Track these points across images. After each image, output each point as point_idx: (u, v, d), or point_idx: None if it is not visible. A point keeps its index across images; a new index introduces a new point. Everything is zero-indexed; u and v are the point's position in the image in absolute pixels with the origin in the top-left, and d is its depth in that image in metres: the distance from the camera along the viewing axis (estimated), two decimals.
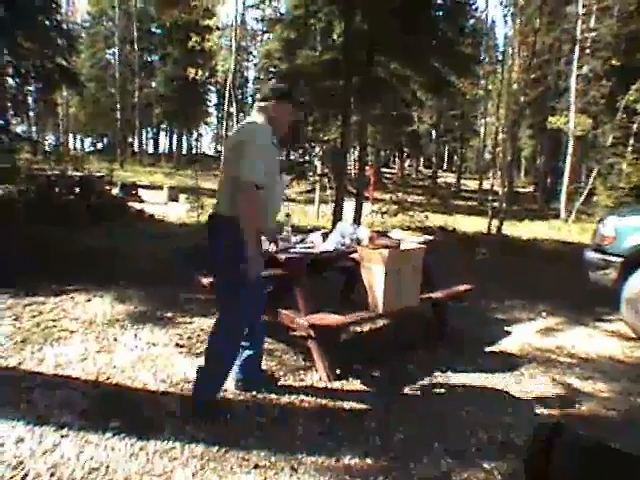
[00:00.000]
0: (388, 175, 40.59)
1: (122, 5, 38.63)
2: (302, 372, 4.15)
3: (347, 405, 3.65)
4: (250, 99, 48.10)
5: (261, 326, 3.77)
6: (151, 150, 50.15)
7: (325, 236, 4.68)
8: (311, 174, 17.05)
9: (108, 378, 3.82)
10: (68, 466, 2.77)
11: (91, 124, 43.93)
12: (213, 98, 49.01)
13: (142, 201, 13.53)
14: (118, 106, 36.90)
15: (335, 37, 11.41)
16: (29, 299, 5.51)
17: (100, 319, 5.08)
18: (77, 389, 3.61)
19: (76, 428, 3.12)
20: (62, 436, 3.04)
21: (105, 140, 48.10)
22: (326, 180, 17.05)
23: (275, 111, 3.39)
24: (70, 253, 7.45)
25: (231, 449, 2.98)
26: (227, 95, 26.38)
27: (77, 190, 11.16)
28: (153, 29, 41.92)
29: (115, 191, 13.28)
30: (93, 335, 4.65)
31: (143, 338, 4.65)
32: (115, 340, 4.57)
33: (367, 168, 17.47)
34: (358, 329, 5.17)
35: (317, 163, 17.50)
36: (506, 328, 5.65)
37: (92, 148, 48.30)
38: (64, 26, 12.45)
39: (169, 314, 5.32)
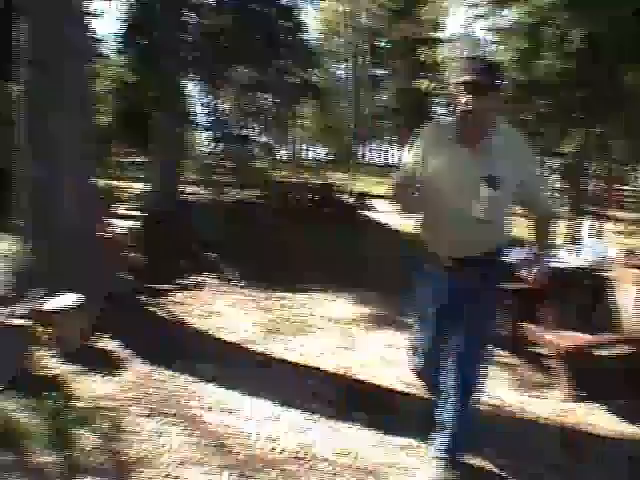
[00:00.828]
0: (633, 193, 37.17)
1: (352, 22, 40.36)
2: (543, 389, 4.05)
3: (590, 430, 3.48)
4: None
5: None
6: (380, 162, 51.58)
7: (569, 252, 4.56)
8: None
9: (352, 373, 4.10)
10: (319, 448, 3.05)
11: (322, 135, 46.40)
12: (441, 110, 49.00)
13: (373, 210, 14.06)
14: (351, 118, 38.58)
15: (573, 45, 10.87)
16: (278, 294, 6.11)
17: (343, 318, 5.44)
18: (324, 380, 3.93)
19: (325, 415, 3.40)
20: (313, 421, 3.35)
21: (335, 151, 50.55)
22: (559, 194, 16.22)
23: None
24: (310, 255, 8.06)
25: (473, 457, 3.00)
26: None
27: (314, 197, 11.99)
28: (382, 43, 43.12)
29: (348, 200, 14.02)
30: (337, 332, 5.01)
31: (384, 340, 4.88)
32: (357, 339, 4.89)
33: (608, 184, 16.27)
34: (605, 352, 4.93)
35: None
36: None
37: (324, 158, 51.07)
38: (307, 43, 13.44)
39: (408, 320, 5.55)
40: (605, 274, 4.17)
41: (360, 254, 8.55)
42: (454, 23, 34.71)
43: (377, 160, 50.15)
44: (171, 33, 8.96)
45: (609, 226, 13.45)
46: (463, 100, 2.44)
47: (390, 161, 51.50)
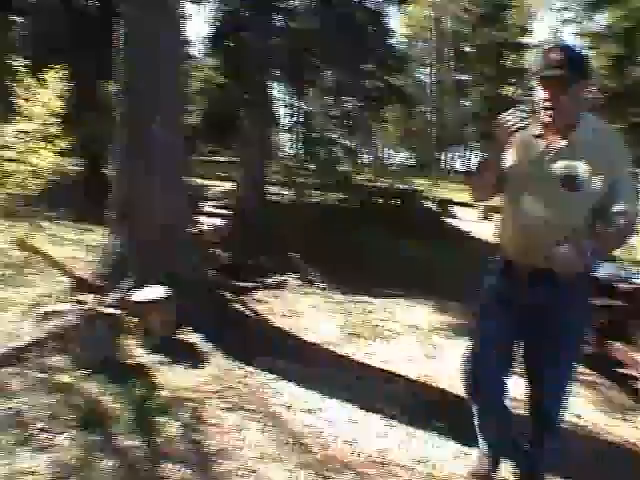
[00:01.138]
0: None
1: (436, 26, 39.97)
2: (630, 412, 3.86)
3: None
4: None
5: None
6: (461, 168, 50.85)
7: None
8: None
9: (432, 382, 4.04)
10: (396, 454, 3.01)
11: (405, 140, 46.16)
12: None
13: (455, 217, 13.89)
14: (434, 124, 38.24)
15: None
16: (358, 297, 6.10)
17: (423, 325, 5.37)
18: (404, 386, 3.89)
19: (403, 421, 3.36)
20: (391, 426, 3.31)
21: (417, 156, 50.14)
22: None
23: None
24: (390, 260, 8.02)
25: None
26: None
27: (397, 202, 11.93)
28: (467, 49, 42.53)
29: (430, 206, 13.88)
30: (417, 339, 4.95)
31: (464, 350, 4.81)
32: (438, 347, 4.80)
33: None
34: None
35: None
36: None
37: (406, 163, 50.79)
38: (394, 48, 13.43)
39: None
40: None
41: (441, 261, 8.43)
42: (542, 28, 33.92)
43: (460, 167, 49.37)
44: (259, 36, 9.15)
45: None
46: (542, 96, 2.25)
47: (473, 169, 50.88)
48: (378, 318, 5.43)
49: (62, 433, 2.86)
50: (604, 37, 13.81)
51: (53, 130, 6.44)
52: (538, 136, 2.35)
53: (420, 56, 44.82)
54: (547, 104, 2.23)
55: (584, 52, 2.52)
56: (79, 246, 7.45)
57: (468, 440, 3.14)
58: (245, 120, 9.35)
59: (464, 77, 43.35)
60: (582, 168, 2.23)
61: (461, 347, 4.75)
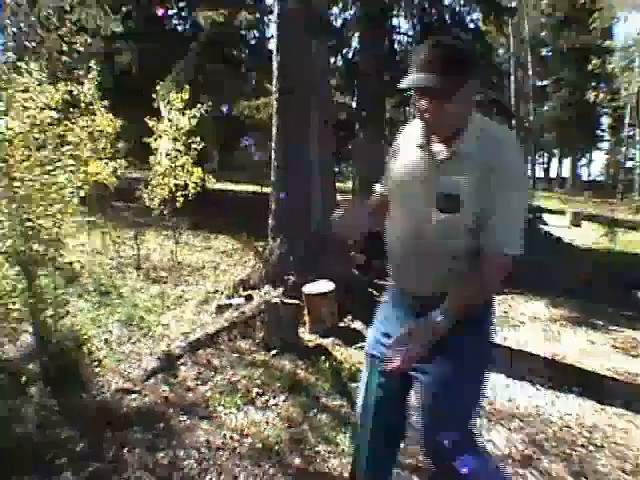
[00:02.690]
0: None
1: (515, 32, 39.75)
2: None
3: None
4: None
5: None
6: (541, 175, 50.27)
7: None
8: None
9: (560, 359, 4.83)
10: (546, 408, 3.86)
11: None
12: (606, 120, 46.61)
13: (547, 224, 14.30)
14: (515, 130, 38.01)
15: None
16: None
17: (541, 317, 6.18)
18: (540, 362, 4.71)
19: (546, 387, 4.20)
20: (538, 390, 4.16)
21: None
22: None
23: None
24: None
25: None
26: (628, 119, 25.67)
27: None
28: (545, 52, 42.19)
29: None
30: (539, 327, 5.79)
31: (581, 336, 5.57)
32: (558, 334, 5.60)
33: None
34: None
35: None
36: None
37: None
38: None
39: (601, 322, 6.08)
40: None
41: (544, 263, 9.08)
42: (626, 31, 33.29)
43: (541, 174, 48.87)
44: (375, 56, 9.95)
45: None
46: (418, 106, 1.88)
47: (553, 175, 50.16)
48: (502, 310, 6.21)
49: (275, 397, 3.77)
50: None
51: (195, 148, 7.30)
52: (421, 146, 1.98)
53: (498, 62, 44.68)
54: (422, 115, 1.89)
55: (465, 46, 1.91)
56: (212, 251, 8.60)
57: (601, 398, 3.98)
58: (361, 137, 10.16)
59: (545, 82, 43.05)
60: (464, 185, 1.85)
61: (575, 334, 5.55)
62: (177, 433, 3.21)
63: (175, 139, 7.25)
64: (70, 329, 4.00)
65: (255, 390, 3.81)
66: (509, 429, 3.54)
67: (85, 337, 4.15)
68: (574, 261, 9.86)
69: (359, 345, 4.57)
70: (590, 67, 31.24)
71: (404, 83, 1.80)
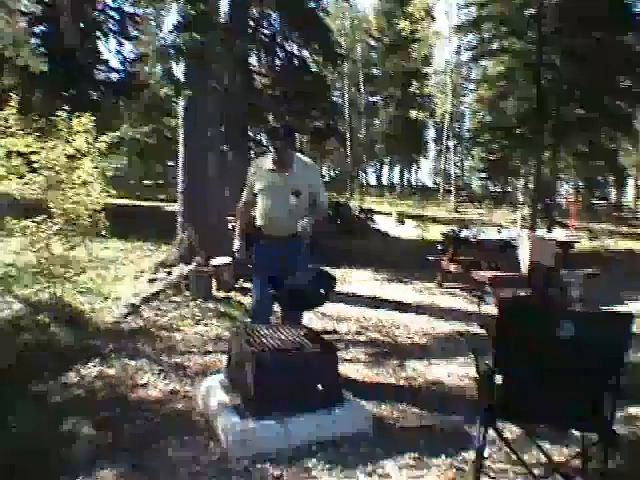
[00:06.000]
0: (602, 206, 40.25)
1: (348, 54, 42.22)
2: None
3: None
4: (467, 133, 47.91)
5: None
6: (374, 182, 54.29)
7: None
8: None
9: (381, 295, 7.72)
10: (370, 315, 6.58)
11: (319, 158, 48.77)
12: (431, 133, 51.29)
13: (376, 223, 17.64)
14: (348, 143, 40.62)
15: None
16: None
17: (369, 280, 9.23)
18: (368, 299, 7.54)
19: (371, 307, 7.01)
20: (365, 308, 6.97)
21: (334, 173, 52.92)
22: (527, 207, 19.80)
23: None
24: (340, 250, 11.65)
25: None
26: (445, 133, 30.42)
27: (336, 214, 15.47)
28: (375, 72, 45.60)
29: (359, 215, 17.65)
30: (368, 284, 8.77)
31: (393, 287, 8.60)
32: (381, 287, 8.60)
33: (567, 198, 19.78)
34: None
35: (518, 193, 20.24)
36: None
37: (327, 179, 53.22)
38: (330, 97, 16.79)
39: (406, 279, 9.19)
40: None
41: (373, 249, 12.20)
42: (441, 58, 37.59)
43: (372, 181, 53.05)
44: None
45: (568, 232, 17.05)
46: (274, 152, 4.14)
47: (385, 182, 54.86)
48: (340, 274, 9.00)
49: (211, 320, 6.15)
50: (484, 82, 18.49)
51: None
52: (272, 170, 4.18)
53: (332, 80, 47.39)
54: (275, 156, 4.13)
55: (292, 125, 5.61)
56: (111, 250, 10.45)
57: (400, 310, 6.86)
58: None
59: (374, 99, 46.53)
60: (300, 185, 4.14)
61: (390, 286, 8.50)
62: (165, 338, 5.50)
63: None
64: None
65: (197, 317, 6.17)
66: (348, 323, 6.37)
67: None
68: (396, 247, 13.23)
69: (249, 294, 6.32)
70: (412, 89, 35.49)
71: (271, 142, 4.80)
